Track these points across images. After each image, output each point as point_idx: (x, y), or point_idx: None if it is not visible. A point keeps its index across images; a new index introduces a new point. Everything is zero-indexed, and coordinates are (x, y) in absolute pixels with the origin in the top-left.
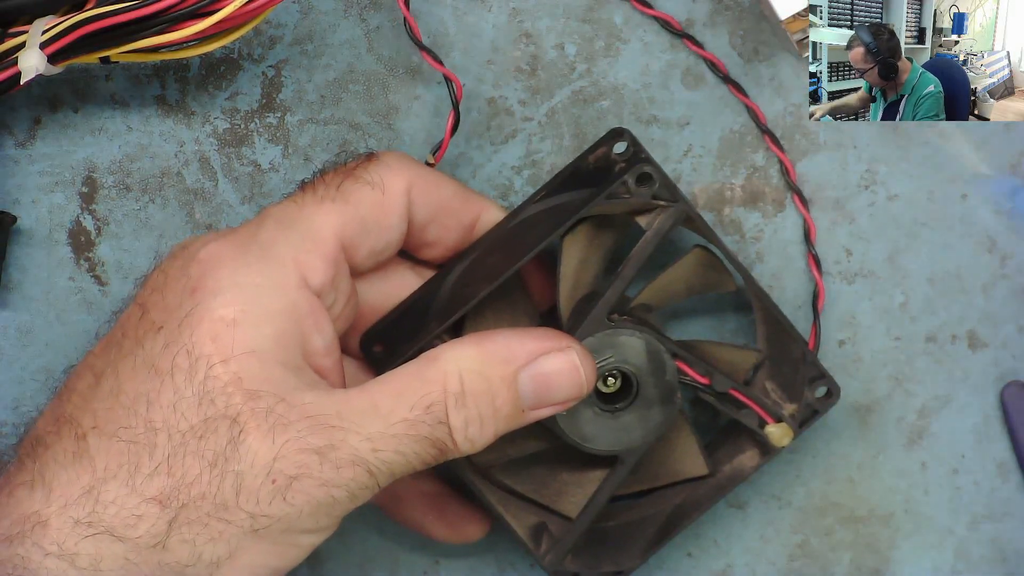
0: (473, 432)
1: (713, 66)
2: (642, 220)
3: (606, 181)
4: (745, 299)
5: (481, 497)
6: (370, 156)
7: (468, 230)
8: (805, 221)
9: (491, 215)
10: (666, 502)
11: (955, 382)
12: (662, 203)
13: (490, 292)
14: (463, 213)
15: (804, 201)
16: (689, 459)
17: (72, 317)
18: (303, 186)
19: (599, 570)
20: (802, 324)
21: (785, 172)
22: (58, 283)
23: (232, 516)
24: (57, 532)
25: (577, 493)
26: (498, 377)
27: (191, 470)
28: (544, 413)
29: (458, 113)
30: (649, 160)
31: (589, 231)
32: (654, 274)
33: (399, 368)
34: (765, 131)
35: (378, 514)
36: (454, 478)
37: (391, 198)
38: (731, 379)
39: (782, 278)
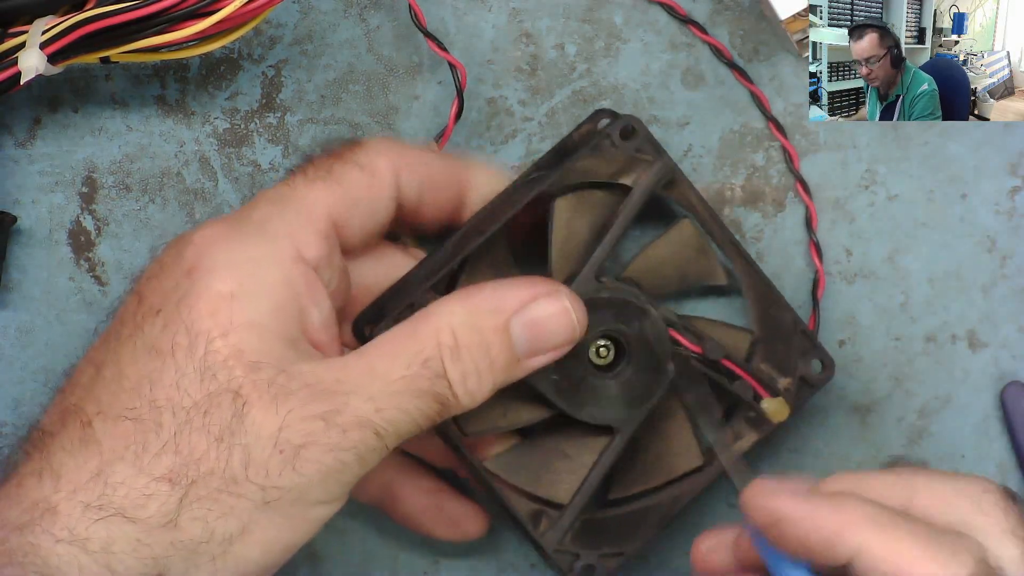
0: (472, 384)
1: (719, 52)
2: (627, 179)
3: (592, 137)
4: (735, 283)
5: (478, 477)
6: (356, 141)
7: (460, 199)
8: (807, 209)
9: (481, 180)
10: (665, 494)
11: (955, 382)
12: (647, 158)
13: (480, 254)
14: (452, 185)
15: (807, 189)
16: (684, 448)
17: (72, 317)
18: (293, 171)
19: (600, 551)
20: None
21: (789, 160)
22: (58, 283)
23: (243, 490)
24: (67, 518)
25: (572, 481)
26: (490, 327)
27: (198, 446)
28: (540, 361)
29: (462, 100)
30: (632, 117)
31: (578, 205)
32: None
33: (392, 329)
34: (770, 119)
35: (378, 514)
36: (452, 475)
37: (379, 178)
38: (723, 349)
39: (782, 278)
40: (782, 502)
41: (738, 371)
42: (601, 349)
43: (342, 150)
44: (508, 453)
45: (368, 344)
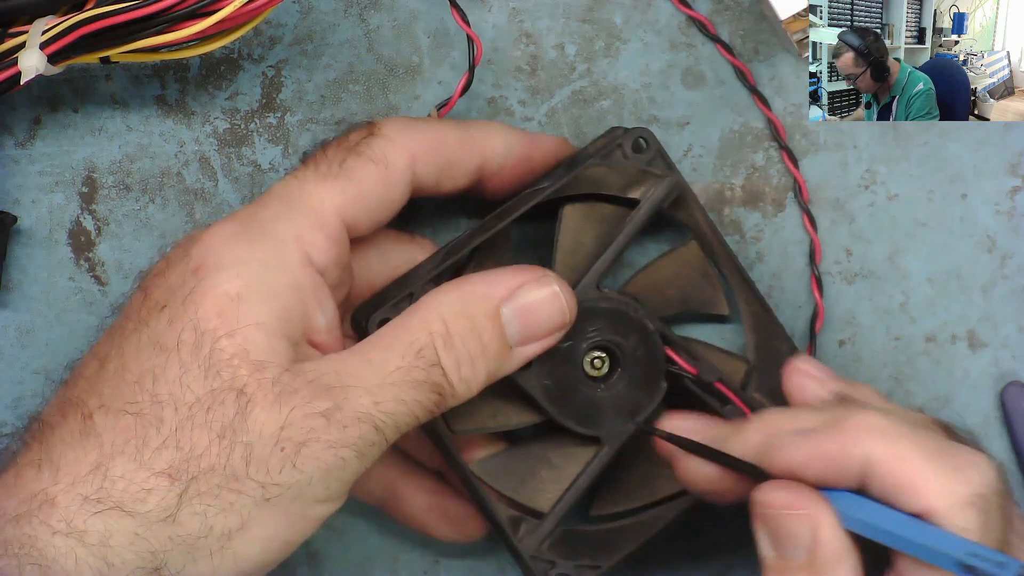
0: (466, 372)
1: (741, 74)
2: (636, 193)
3: (605, 147)
4: (736, 314)
5: (462, 476)
6: (371, 128)
7: (479, 171)
8: (812, 242)
9: (497, 147)
10: (648, 513)
11: (955, 382)
12: (657, 172)
13: (485, 253)
14: (469, 159)
15: (812, 221)
16: (669, 470)
17: (72, 317)
18: (305, 160)
19: (576, 562)
20: (800, 325)
21: (798, 191)
22: (58, 283)
23: (243, 486)
24: (65, 510)
25: (555, 491)
26: (480, 314)
27: (200, 442)
28: (533, 349)
29: (472, 75)
30: (645, 130)
31: (587, 216)
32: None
33: (387, 324)
34: (784, 148)
35: (378, 514)
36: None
37: (394, 172)
38: (718, 372)
39: (782, 278)
40: (791, 453)
41: (731, 396)
42: (596, 360)
43: (355, 140)
44: (494, 457)
45: (365, 340)
